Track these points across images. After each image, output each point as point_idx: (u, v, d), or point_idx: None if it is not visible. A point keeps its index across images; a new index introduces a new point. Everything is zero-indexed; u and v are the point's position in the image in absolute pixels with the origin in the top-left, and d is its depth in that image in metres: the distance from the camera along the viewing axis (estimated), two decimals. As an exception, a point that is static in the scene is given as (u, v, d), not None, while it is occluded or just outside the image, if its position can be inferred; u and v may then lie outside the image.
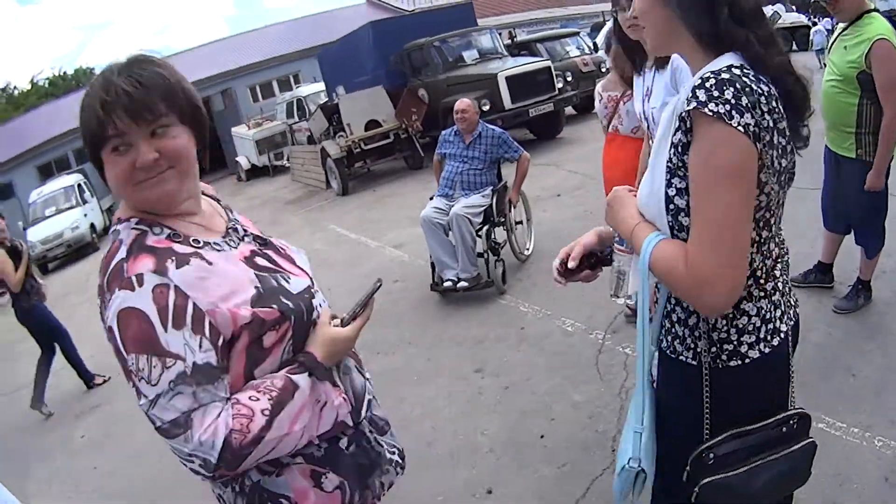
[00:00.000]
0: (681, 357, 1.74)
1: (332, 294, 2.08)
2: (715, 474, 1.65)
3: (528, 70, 13.78)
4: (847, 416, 3.45)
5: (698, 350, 1.69)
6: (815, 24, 27.16)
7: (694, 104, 1.46)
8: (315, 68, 21.83)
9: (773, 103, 1.50)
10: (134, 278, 1.38)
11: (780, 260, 1.71)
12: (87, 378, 7.11)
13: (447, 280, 6.28)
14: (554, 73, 14.23)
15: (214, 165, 27.76)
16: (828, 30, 22.14)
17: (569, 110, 15.58)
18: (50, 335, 7.00)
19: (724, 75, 1.47)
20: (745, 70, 1.50)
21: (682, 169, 1.54)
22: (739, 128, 1.43)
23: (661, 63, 3.21)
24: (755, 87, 1.47)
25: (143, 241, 1.47)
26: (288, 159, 20.57)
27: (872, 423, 3.39)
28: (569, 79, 15.04)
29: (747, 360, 1.65)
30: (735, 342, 1.66)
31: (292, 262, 1.75)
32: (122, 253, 1.44)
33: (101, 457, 5.49)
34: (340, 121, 14.68)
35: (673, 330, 1.76)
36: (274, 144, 23.31)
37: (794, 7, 35.46)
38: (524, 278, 6.67)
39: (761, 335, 1.65)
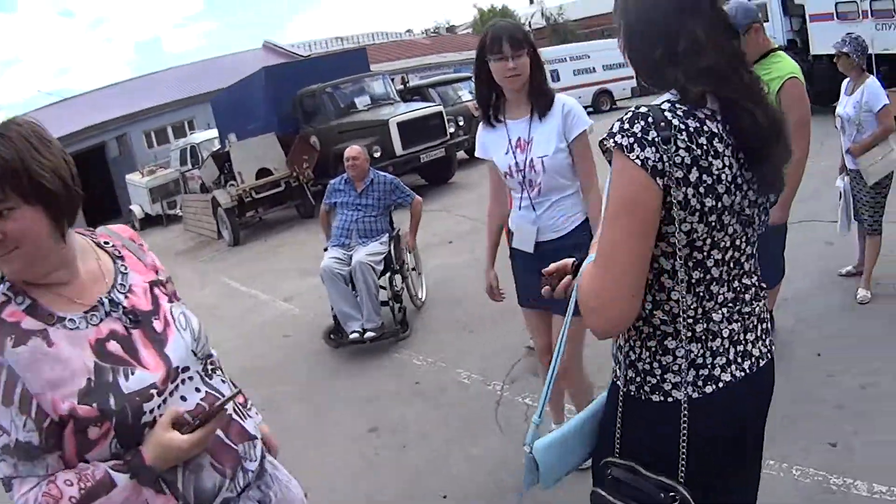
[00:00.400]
0: (616, 381, 1.74)
1: (221, 350, 1.91)
2: (601, 488, 1.67)
3: (420, 115, 13.72)
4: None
5: (627, 377, 1.69)
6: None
7: (607, 135, 1.50)
8: (210, 114, 21.14)
9: (702, 140, 1.48)
10: None
11: (730, 305, 1.64)
12: None
13: (353, 332, 6.02)
14: (445, 117, 14.25)
15: (109, 214, 26.81)
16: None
17: (461, 155, 15.55)
18: None
19: (643, 109, 1.49)
20: (676, 106, 1.51)
21: None
22: (637, 160, 1.43)
23: (543, 111, 3.17)
24: (676, 123, 1.46)
25: None
26: (181, 208, 19.85)
27: (788, 453, 3.40)
28: (461, 123, 15.07)
29: (670, 399, 1.61)
30: (658, 377, 1.62)
31: (160, 346, 1.63)
32: None
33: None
34: (232, 169, 14.24)
35: (616, 355, 1.76)
36: (167, 193, 22.42)
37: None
38: (418, 329, 6.49)
39: (689, 378, 1.59)
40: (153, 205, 22.67)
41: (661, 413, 1.62)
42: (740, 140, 1.52)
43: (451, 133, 14.25)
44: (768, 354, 1.74)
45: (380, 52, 34.56)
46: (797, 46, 15.01)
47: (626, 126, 1.46)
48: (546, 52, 23.43)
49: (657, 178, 1.44)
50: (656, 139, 1.43)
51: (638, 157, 1.43)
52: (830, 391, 3.89)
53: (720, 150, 1.49)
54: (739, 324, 1.65)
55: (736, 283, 1.64)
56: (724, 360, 1.61)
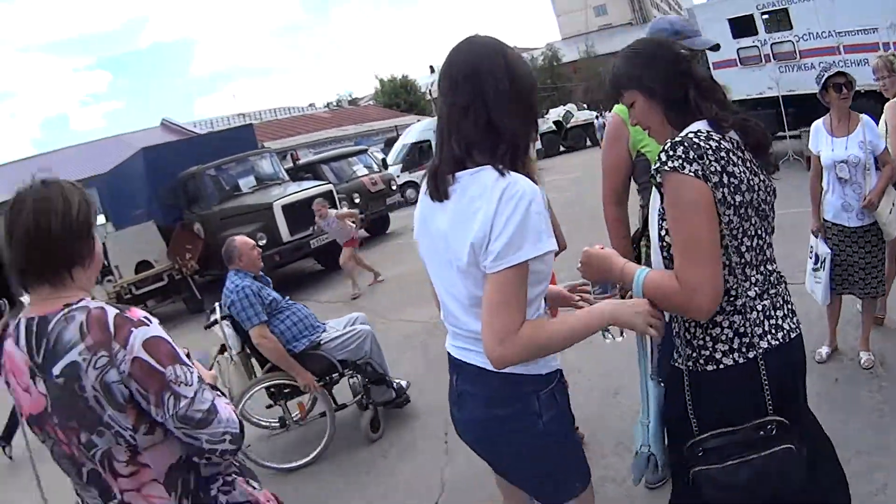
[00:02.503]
0: (675, 363, 2.04)
1: None
2: (703, 465, 1.92)
3: (307, 196, 11.63)
4: None
5: (683, 355, 2.01)
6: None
7: (657, 164, 1.89)
8: (105, 197, 18.89)
9: (722, 153, 1.87)
10: (143, 318, 1.74)
11: (760, 285, 1.94)
12: None
13: (401, 381, 5.38)
14: (336, 196, 12.59)
15: (9, 302, 24.26)
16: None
17: (361, 233, 13.86)
18: None
19: (676, 139, 1.88)
20: (699, 133, 1.90)
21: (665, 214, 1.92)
22: (690, 173, 1.83)
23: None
24: (703, 145, 1.85)
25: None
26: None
27: None
28: (356, 201, 13.50)
29: (721, 367, 1.93)
30: (710, 349, 1.95)
31: None
32: (112, 310, 1.71)
33: None
34: (109, 263, 12.25)
35: (673, 342, 2.04)
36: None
37: (585, 105, 38.31)
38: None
39: (734, 346, 1.92)
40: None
41: (717, 380, 1.93)
42: (748, 142, 1.98)
43: (344, 213, 12.53)
44: (797, 329, 2.01)
45: (278, 129, 33.07)
46: (701, 96, 14.78)
47: (671, 153, 1.86)
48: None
49: (707, 182, 1.82)
50: (694, 156, 1.83)
51: (689, 170, 1.82)
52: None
53: (735, 160, 1.90)
54: (769, 301, 1.96)
55: (762, 268, 1.97)
56: (760, 329, 1.92)
